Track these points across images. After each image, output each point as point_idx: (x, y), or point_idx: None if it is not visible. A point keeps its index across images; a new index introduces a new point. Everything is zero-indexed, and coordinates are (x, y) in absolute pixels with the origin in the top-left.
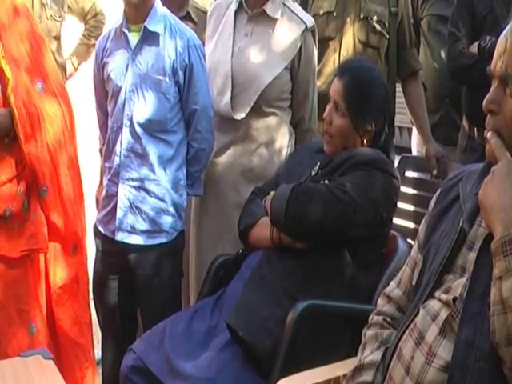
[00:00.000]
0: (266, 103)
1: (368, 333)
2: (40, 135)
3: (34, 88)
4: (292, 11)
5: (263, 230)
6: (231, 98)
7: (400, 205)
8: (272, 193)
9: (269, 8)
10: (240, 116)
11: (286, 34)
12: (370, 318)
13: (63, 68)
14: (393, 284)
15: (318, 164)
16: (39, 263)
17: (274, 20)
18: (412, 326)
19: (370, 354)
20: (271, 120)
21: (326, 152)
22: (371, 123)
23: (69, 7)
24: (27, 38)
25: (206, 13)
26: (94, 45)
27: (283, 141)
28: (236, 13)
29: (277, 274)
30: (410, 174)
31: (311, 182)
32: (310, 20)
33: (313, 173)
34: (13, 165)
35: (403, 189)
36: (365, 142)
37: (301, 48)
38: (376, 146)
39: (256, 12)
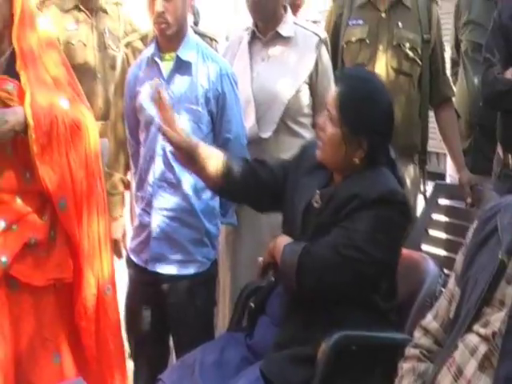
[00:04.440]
0: (291, 119)
1: (405, 366)
2: (58, 145)
3: (60, 104)
4: (303, 27)
5: None
6: (257, 119)
7: (432, 232)
8: (278, 244)
9: (282, 28)
10: (267, 134)
11: (301, 49)
12: (407, 350)
13: None
14: (429, 316)
15: (318, 194)
16: (64, 292)
17: (288, 39)
18: (450, 360)
19: None
20: (297, 141)
21: (318, 158)
22: (365, 138)
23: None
24: (62, 63)
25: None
26: None
27: None
28: (250, 44)
29: (299, 318)
30: (443, 201)
31: (315, 220)
32: (321, 31)
33: (315, 204)
34: (37, 196)
35: (436, 216)
36: (356, 160)
37: (317, 60)
38: (375, 163)
39: (270, 36)
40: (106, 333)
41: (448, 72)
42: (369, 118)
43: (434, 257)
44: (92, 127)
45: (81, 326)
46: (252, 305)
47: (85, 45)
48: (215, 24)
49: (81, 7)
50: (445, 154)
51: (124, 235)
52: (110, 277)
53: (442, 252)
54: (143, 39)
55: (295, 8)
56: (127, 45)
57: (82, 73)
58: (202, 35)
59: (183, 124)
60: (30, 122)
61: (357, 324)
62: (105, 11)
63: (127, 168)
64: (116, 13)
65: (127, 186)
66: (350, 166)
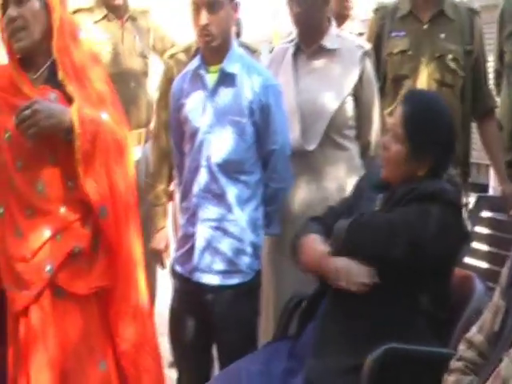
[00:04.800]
0: (336, 131)
1: (449, 379)
2: (100, 154)
3: (102, 116)
4: (347, 39)
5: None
6: (301, 132)
7: (475, 245)
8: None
9: (326, 41)
10: (312, 147)
11: (346, 61)
12: (452, 363)
13: (150, 103)
14: (474, 329)
15: (380, 198)
16: (106, 300)
17: (332, 51)
18: (495, 373)
19: None
20: (343, 154)
21: (383, 177)
22: (429, 154)
23: (153, 46)
24: (105, 81)
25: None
26: None
27: (356, 174)
28: (294, 56)
29: (346, 326)
30: (485, 214)
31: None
32: (365, 43)
33: (376, 209)
34: (80, 205)
35: (478, 229)
36: (420, 173)
37: (361, 72)
38: (436, 176)
39: (314, 48)
40: (145, 346)
41: (491, 83)
42: (433, 133)
43: (476, 270)
44: (131, 148)
45: (116, 343)
46: (304, 304)
47: (119, 53)
48: (256, 32)
49: (110, 17)
50: (486, 165)
51: (167, 246)
52: (146, 293)
53: (484, 265)
54: (186, 51)
55: (342, 19)
56: (171, 57)
57: (122, 79)
58: (245, 47)
59: (226, 137)
60: (77, 127)
61: (403, 330)
62: (134, 19)
63: (170, 179)
64: (144, 21)
65: (170, 196)
66: (413, 179)
